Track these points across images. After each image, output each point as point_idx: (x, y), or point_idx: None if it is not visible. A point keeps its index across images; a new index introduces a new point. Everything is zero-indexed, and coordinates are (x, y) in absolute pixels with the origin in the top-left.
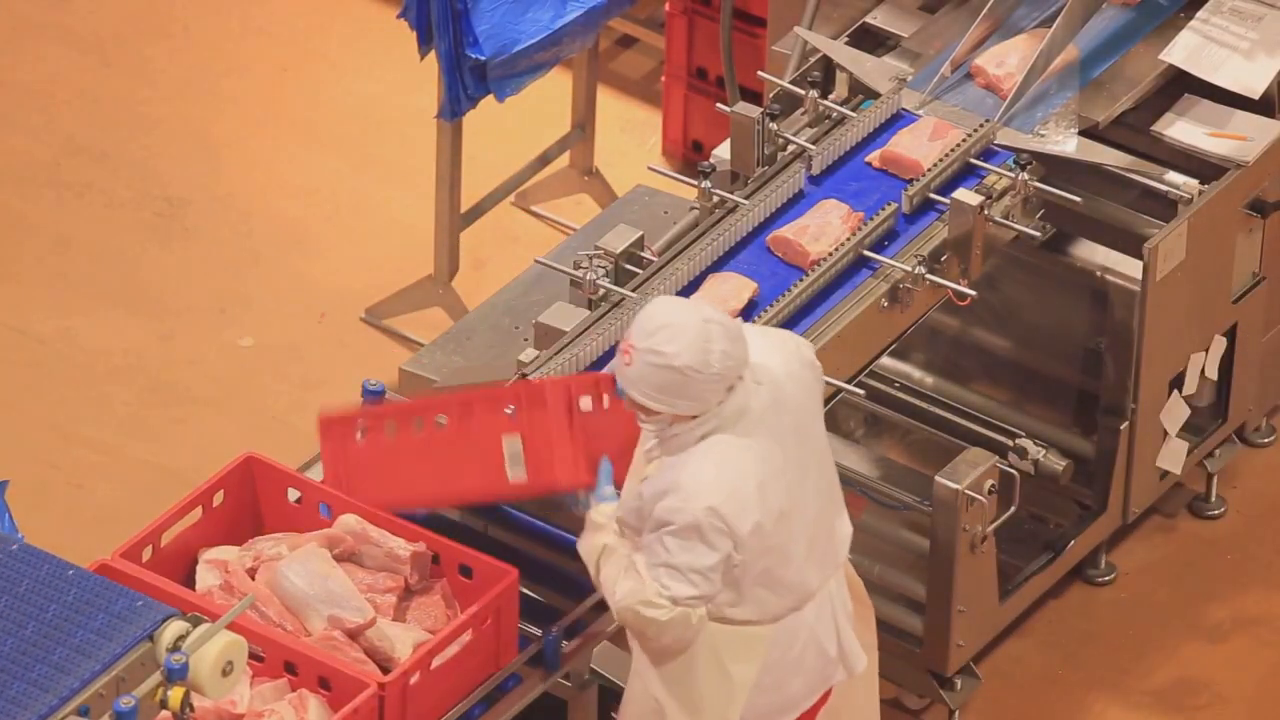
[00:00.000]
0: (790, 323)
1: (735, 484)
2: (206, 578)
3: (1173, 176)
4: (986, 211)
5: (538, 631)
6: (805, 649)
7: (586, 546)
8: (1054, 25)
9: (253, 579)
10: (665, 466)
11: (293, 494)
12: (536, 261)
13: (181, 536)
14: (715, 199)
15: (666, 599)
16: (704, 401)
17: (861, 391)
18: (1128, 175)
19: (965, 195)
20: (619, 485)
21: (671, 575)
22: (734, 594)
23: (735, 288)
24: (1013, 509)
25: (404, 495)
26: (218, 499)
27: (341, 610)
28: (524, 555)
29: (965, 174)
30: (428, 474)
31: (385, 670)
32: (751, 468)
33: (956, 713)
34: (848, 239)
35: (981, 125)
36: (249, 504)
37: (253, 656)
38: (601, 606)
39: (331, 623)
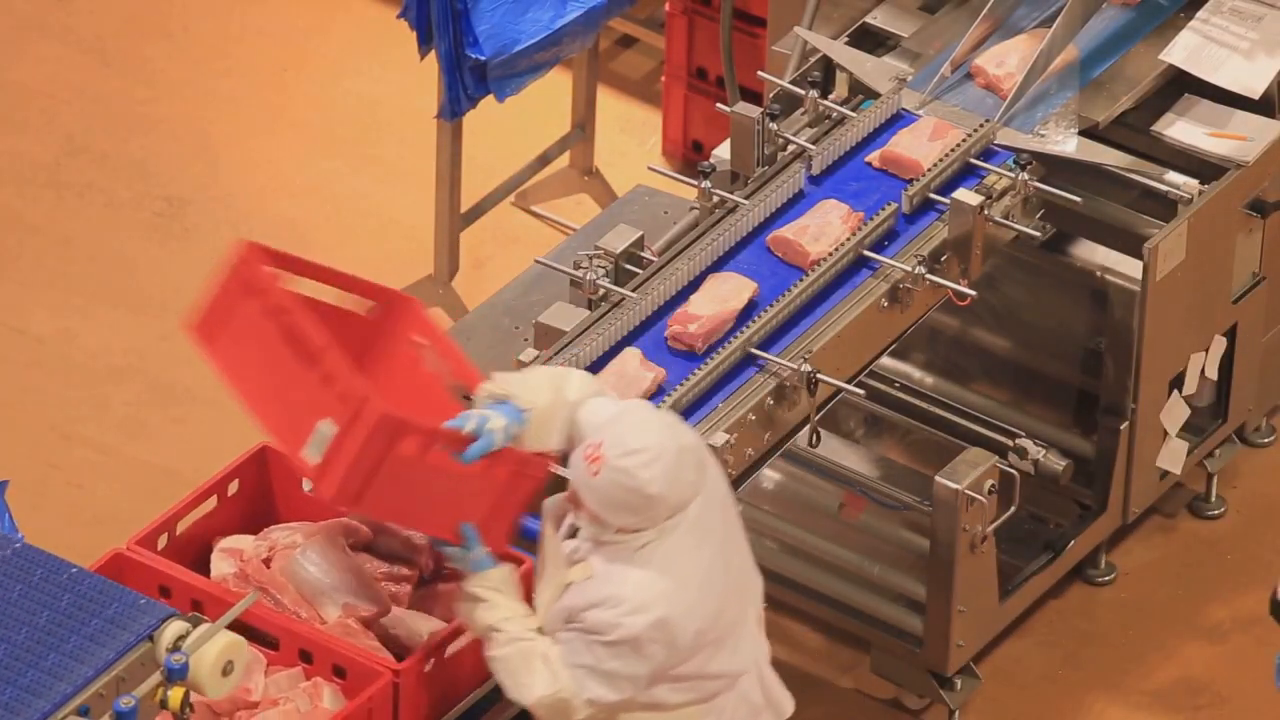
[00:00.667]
0: (790, 323)
1: (676, 595)
2: (221, 566)
3: (1173, 176)
4: (986, 211)
5: None
6: (735, 711)
7: (468, 618)
8: (1054, 25)
9: (268, 568)
10: (601, 577)
11: (307, 484)
12: (536, 261)
13: (197, 525)
14: (715, 199)
15: (585, 701)
16: (655, 520)
17: (861, 391)
18: (1128, 175)
19: (965, 195)
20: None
21: (596, 679)
22: (670, 686)
23: (735, 288)
24: (1013, 509)
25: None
26: (233, 488)
27: (357, 599)
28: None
29: (965, 174)
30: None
31: (400, 658)
32: (692, 572)
33: (956, 713)
34: (848, 239)
35: (981, 125)
36: (264, 493)
37: (268, 645)
38: None
39: (346, 611)
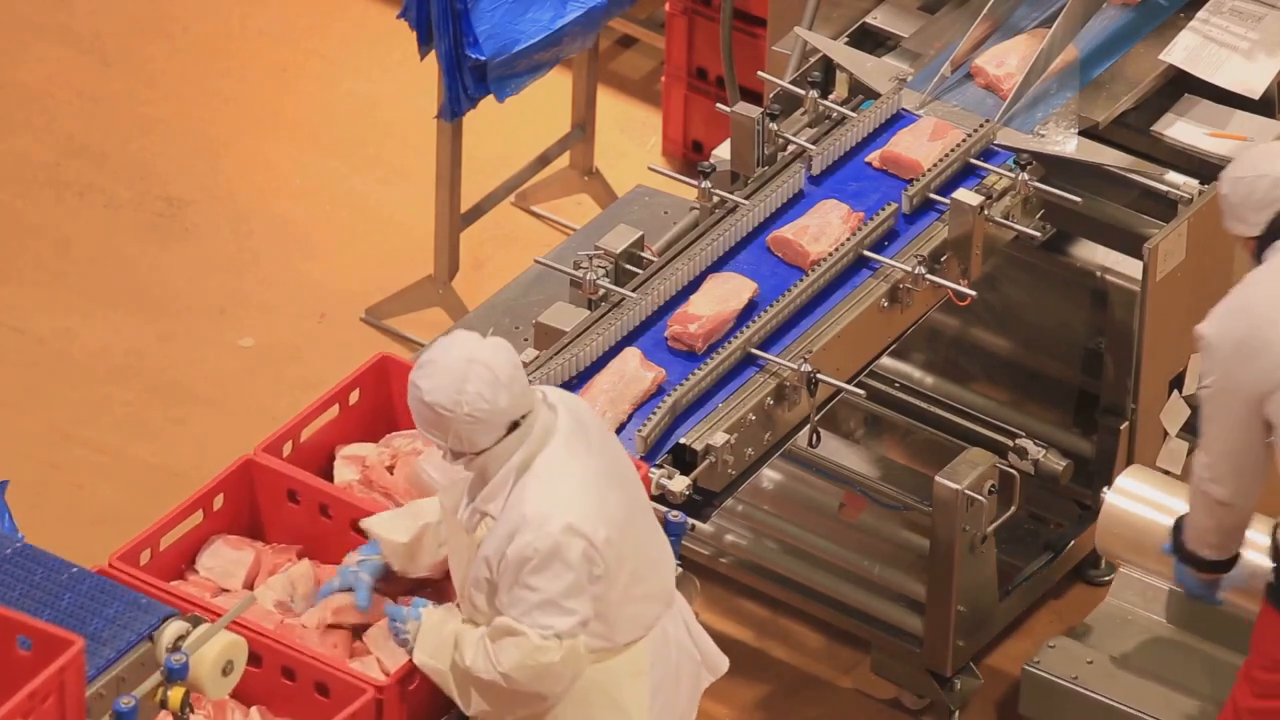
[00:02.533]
0: (790, 323)
1: (578, 499)
2: (344, 473)
3: (1173, 176)
4: (986, 211)
5: None
6: (680, 657)
7: (430, 652)
8: (1054, 25)
9: (390, 474)
10: (502, 516)
11: None
12: (536, 261)
13: (320, 433)
14: (715, 199)
15: (552, 637)
16: (472, 442)
17: (861, 392)
18: (1128, 175)
19: (965, 195)
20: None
21: (547, 612)
22: (607, 623)
23: (735, 288)
24: (1013, 509)
25: None
26: (354, 397)
27: None
28: None
29: (965, 174)
30: None
31: None
32: (586, 481)
33: (956, 713)
34: (848, 239)
35: (981, 125)
36: (384, 402)
37: None
38: None
39: None
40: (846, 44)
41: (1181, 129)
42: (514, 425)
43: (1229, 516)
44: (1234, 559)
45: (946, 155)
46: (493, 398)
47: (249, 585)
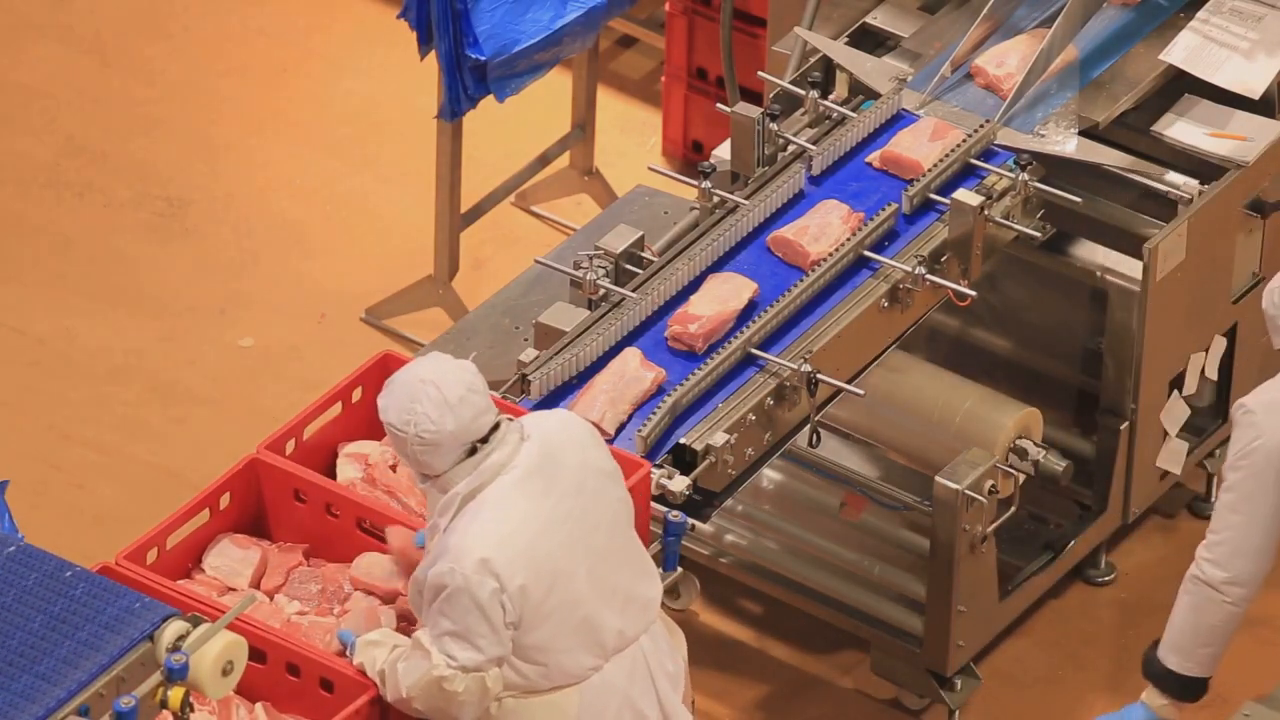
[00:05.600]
0: (790, 323)
1: (505, 540)
2: (347, 470)
3: (1173, 176)
4: (986, 212)
5: None
6: (620, 713)
7: (365, 665)
8: (1054, 25)
9: (394, 472)
10: (438, 539)
11: None
12: (536, 261)
13: (322, 431)
14: (715, 199)
15: (456, 669)
16: (428, 465)
17: (861, 391)
18: (1128, 175)
19: (965, 195)
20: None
21: (457, 643)
22: (530, 664)
23: (735, 288)
24: (1013, 509)
25: None
26: (356, 395)
27: None
28: None
29: (965, 174)
30: None
31: None
32: (523, 524)
33: (956, 713)
34: (848, 239)
35: (981, 125)
36: None
37: None
38: None
39: None
40: (846, 44)
41: (1181, 129)
42: (473, 450)
43: (1211, 609)
44: (1196, 686)
45: (946, 155)
46: (439, 419)
47: (255, 584)
